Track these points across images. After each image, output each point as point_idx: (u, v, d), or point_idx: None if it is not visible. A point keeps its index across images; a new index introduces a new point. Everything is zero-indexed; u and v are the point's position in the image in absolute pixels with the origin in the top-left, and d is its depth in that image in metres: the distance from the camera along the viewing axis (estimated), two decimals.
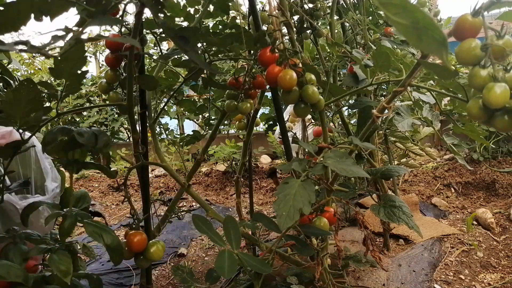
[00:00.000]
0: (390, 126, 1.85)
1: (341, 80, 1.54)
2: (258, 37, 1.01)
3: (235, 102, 1.18)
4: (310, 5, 1.53)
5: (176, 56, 1.11)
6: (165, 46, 4.80)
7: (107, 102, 1.18)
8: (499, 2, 0.62)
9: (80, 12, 0.63)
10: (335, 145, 1.05)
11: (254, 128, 1.53)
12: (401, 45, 1.60)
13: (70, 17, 0.64)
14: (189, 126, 5.61)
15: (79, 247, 1.24)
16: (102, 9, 0.65)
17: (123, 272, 1.95)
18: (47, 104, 0.96)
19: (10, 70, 1.10)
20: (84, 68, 0.91)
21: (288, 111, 2.49)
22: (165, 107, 2.18)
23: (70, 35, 0.55)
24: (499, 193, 2.87)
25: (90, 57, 6.36)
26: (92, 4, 0.64)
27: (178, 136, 4.13)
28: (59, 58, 0.83)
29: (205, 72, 1.13)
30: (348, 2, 1.77)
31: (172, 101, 1.48)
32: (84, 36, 0.57)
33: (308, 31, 1.51)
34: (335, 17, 1.64)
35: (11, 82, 1.30)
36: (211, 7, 1.28)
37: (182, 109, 3.75)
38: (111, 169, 1.05)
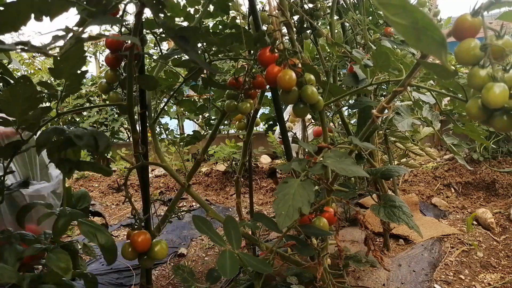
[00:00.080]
0: (390, 126, 1.85)
1: (341, 80, 1.54)
2: (258, 37, 1.01)
3: (235, 102, 1.19)
4: (310, 5, 1.53)
5: (176, 56, 1.11)
6: (165, 46, 4.81)
7: (107, 102, 1.19)
8: (499, 2, 0.62)
9: (81, 12, 0.63)
10: (335, 145, 1.05)
11: (254, 128, 1.53)
12: (401, 45, 1.60)
13: (70, 17, 0.64)
14: (189, 126, 5.61)
15: (79, 247, 1.24)
16: (103, 9, 0.65)
17: (123, 272, 1.95)
18: (47, 104, 0.95)
19: (10, 70, 1.10)
20: (84, 68, 0.91)
21: (288, 111, 2.49)
22: (165, 107, 2.18)
23: (71, 35, 0.55)
24: (499, 193, 2.87)
25: (90, 57, 6.36)
26: (92, 4, 0.64)
27: (178, 136, 4.14)
28: (59, 58, 0.83)
29: (205, 72, 1.13)
30: (348, 2, 1.77)
31: (172, 101, 1.48)
32: (84, 36, 0.57)
33: (308, 31, 1.51)
34: (335, 17, 1.64)
35: (12, 82, 1.30)
36: (211, 7, 1.28)
37: (182, 109, 3.75)
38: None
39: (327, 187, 1.07)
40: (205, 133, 1.53)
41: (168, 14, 1.20)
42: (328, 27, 1.63)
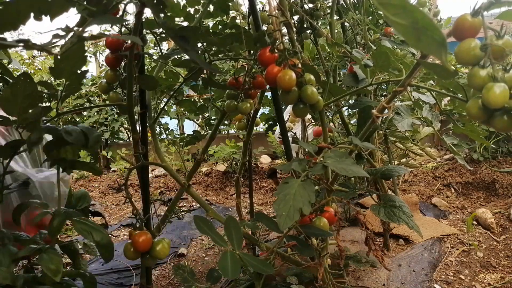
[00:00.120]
0: (390, 126, 1.85)
1: (341, 80, 1.54)
2: (258, 37, 1.01)
3: (235, 102, 1.19)
4: (310, 5, 1.53)
5: (176, 56, 1.11)
6: (165, 46, 4.80)
7: (107, 102, 1.19)
8: (499, 2, 0.62)
9: (81, 11, 0.63)
10: (335, 145, 1.05)
11: (254, 128, 1.53)
12: (401, 45, 1.61)
13: (71, 16, 0.64)
14: (189, 126, 5.61)
15: (79, 247, 1.24)
16: (103, 8, 0.65)
17: (123, 272, 1.95)
18: (47, 104, 0.95)
19: (10, 70, 1.10)
20: (84, 68, 0.90)
21: (288, 111, 2.49)
22: (165, 107, 2.18)
23: (71, 34, 0.55)
24: (499, 193, 2.87)
25: (90, 57, 6.35)
26: (93, 4, 0.64)
27: (178, 136, 4.14)
28: (59, 57, 0.83)
29: (205, 72, 1.13)
30: (348, 2, 1.77)
31: (172, 101, 1.48)
32: (85, 35, 0.57)
33: (308, 31, 1.51)
34: (335, 17, 1.64)
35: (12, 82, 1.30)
36: (211, 7, 1.28)
37: (182, 109, 3.75)
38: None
39: (327, 187, 1.07)
40: (205, 133, 1.53)
41: (168, 14, 1.20)
42: (328, 27, 1.63)
